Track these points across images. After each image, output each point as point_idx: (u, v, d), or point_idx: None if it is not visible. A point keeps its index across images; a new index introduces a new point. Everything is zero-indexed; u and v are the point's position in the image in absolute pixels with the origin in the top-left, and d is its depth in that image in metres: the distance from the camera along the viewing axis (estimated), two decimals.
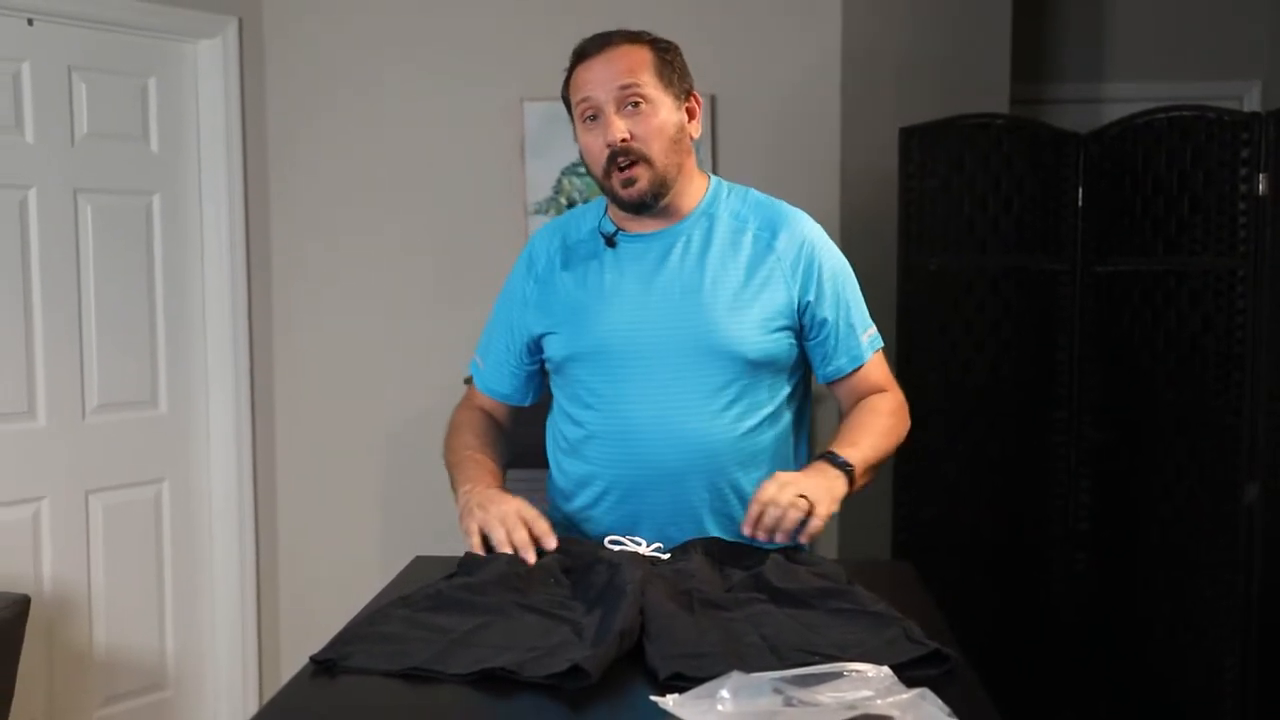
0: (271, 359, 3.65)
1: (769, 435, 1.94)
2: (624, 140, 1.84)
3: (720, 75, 3.29)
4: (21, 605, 2.76)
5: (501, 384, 2.09)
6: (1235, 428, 2.94)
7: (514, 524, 1.77)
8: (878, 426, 1.94)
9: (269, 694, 3.61)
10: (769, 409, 1.94)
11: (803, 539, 1.73)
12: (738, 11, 3.45)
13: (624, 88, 1.84)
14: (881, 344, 2.04)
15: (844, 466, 1.83)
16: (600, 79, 1.85)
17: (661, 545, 1.80)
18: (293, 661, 3.61)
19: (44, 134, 3.18)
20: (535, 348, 2.04)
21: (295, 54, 3.60)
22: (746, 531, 1.73)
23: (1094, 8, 4.98)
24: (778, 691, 1.25)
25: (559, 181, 3.57)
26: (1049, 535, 3.32)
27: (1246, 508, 2.93)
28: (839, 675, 1.29)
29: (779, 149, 3.46)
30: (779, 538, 1.70)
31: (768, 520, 1.71)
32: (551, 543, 1.76)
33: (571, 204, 3.56)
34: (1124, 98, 4.71)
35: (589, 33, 1.91)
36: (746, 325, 1.88)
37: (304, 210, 3.64)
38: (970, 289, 3.25)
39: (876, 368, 2.02)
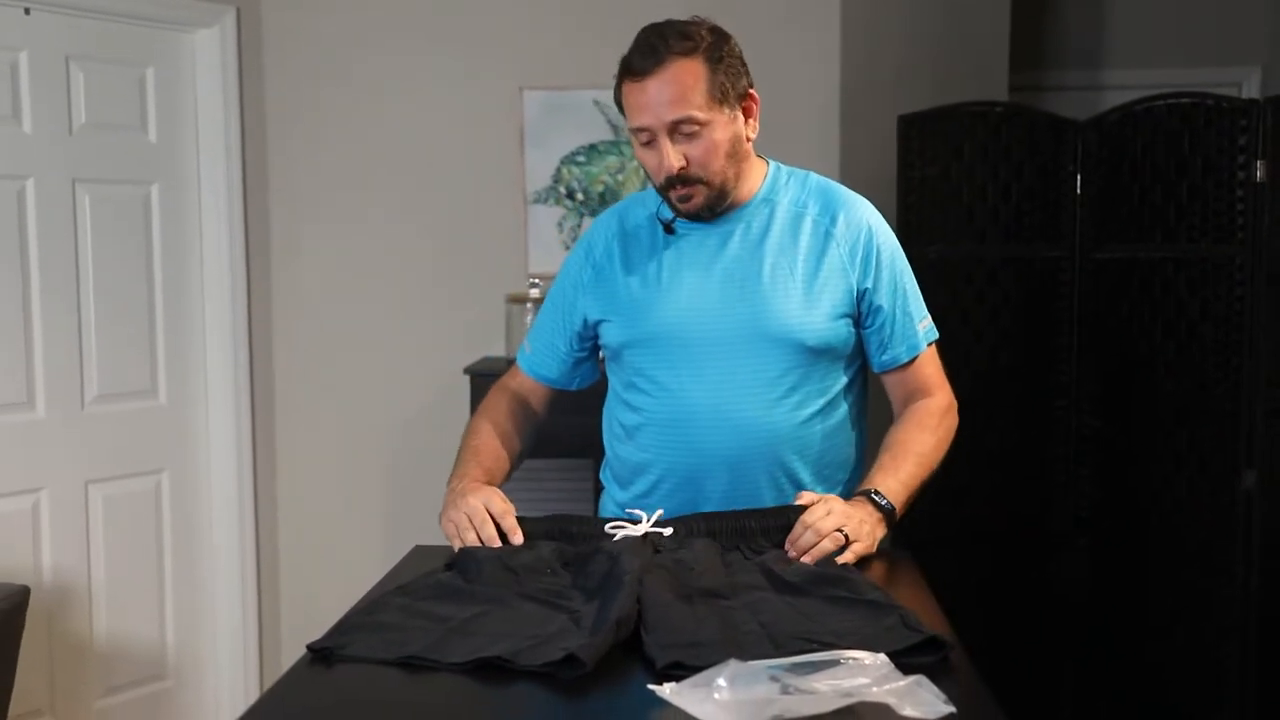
0: (271, 348, 3.65)
1: (827, 424, 1.94)
2: (681, 168, 1.84)
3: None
4: (21, 596, 2.76)
5: (548, 368, 2.09)
6: (1234, 415, 2.94)
7: (481, 521, 1.77)
8: (921, 447, 1.93)
9: (269, 684, 3.62)
10: (826, 397, 1.93)
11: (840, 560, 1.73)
12: (737, 0, 3.45)
13: (676, 121, 1.81)
14: (936, 335, 2.03)
15: (886, 510, 1.83)
16: (653, 106, 1.81)
17: (663, 513, 1.79)
18: (293, 651, 3.61)
19: (42, 124, 3.18)
20: (587, 333, 2.04)
21: (293, 43, 3.59)
22: (787, 547, 1.73)
23: None
24: (774, 680, 1.26)
25: (558, 170, 3.56)
26: (1049, 524, 3.32)
27: (1245, 494, 2.93)
28: (836, 663, 1.30)
29: (778, 137, 3.43)
30: (806, 559, 1.70)
31: (803, 543, 1.71)
32: (519, 539, 1.76)
33: (570, 194, 3.56)
34: (1123, 84, 4.71)
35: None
36: (805, 312, 1.88)
37: (303, 199, 3.63)
38: (969, 278, 3.25)
39: (930, 361, 2.01)
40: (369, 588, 1.75)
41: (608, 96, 1.97)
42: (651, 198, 2.00)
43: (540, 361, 2.09)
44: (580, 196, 3.55)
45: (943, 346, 2.06)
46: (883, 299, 1.94)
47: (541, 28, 3.52)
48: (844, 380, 1.96)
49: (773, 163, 2.00)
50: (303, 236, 3.64)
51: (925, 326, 2.00)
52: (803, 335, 1.88)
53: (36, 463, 3.22)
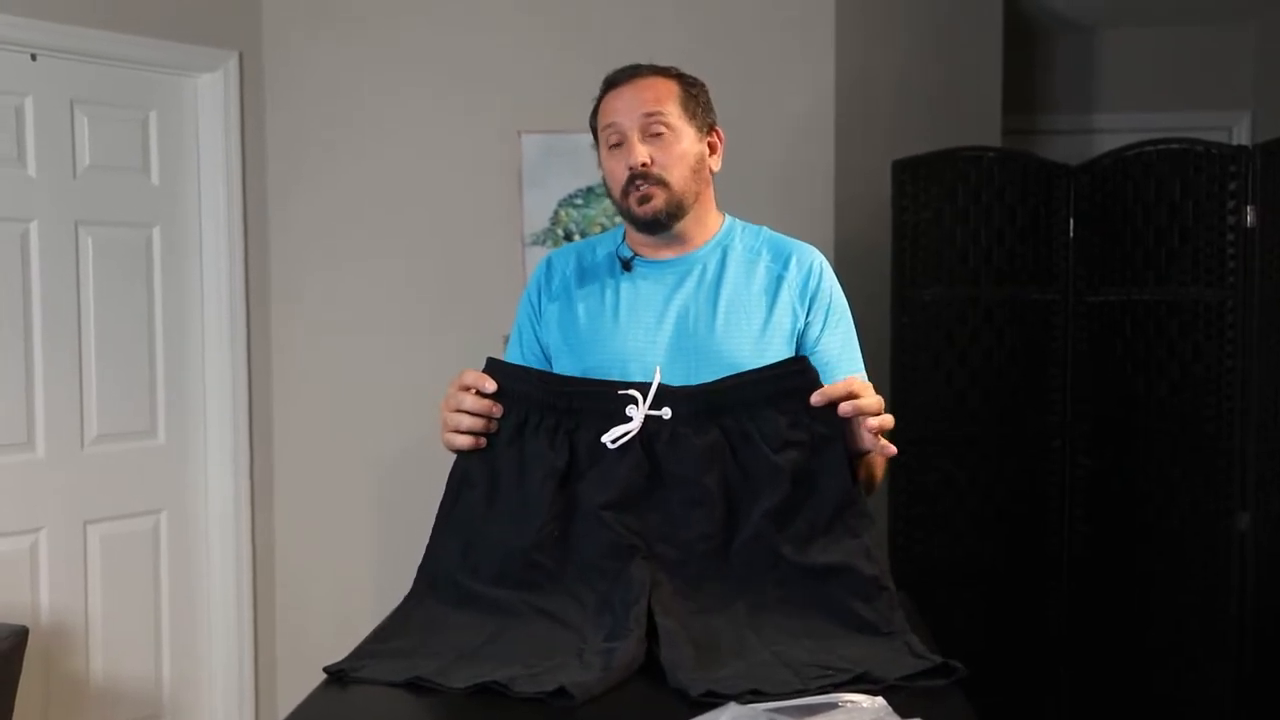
0: (270, 390, 3.67)
1: None
2: (644, 165, 1.91)
3: (715, 108, 3.33)
4: (19, 636, 2.77)
5: None
6: (1227, 455, 2.97)
7: (459, 400, 1.75)
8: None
9: None
10: None
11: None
12: (732, 45, 3.50)
13: (648, 115, 1.92)
14: None
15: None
16: (627, 106, 1.93)
17: (661, 370, 1.76)
18: (289, 690, 3.61)
19: (46, 167, 3.21)
20: (550, 356, 2.07)
21: (294, 88, 3.63)
22: (816, 401, 1.67)
23: (1085, 39, 5.04)
24: None
25: (556, 213, 3.59)
26: (1044, 563, 3.33)
27: (1239, 535, 2.95)
28: (834, 706, 1.31)
29: (774, 181, 3.49)
30: (844, 407, 1.64)
31: (851, 402, 1.65)
32: (491, 386, 1.74)
33: (568, 235, 3.59)
34: (1115, 128, 4.77)
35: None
36: (757, 353, 1.91)
37: (303, 242, 3.66)
38: (964, 320, 3.28)
39: None
40: (366, 626, 1.76)
41: None
42: (610, 238, 2.07)
43: None
44: (578, 238, 3.58)
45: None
46: (817, 336, 1.96)
47: (540, 71, 3.56)
48: None
49: (729, 216, 2.07)
50: (302, 278, 3.66)
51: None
52: None
53: (35, 503, 3.22)
